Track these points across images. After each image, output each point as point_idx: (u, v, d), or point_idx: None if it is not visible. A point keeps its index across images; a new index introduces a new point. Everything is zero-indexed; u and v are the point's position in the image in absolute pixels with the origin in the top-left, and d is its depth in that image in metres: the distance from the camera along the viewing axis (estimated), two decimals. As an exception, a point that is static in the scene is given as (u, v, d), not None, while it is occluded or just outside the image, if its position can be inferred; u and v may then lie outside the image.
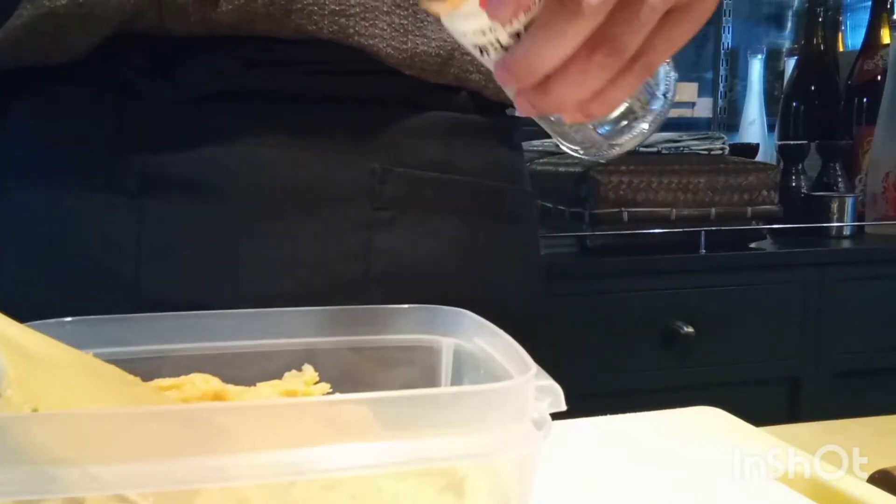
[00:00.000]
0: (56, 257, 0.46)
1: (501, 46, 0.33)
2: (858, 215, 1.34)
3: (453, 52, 0.48)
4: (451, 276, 0.50)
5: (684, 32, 0.34)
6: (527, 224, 0.57)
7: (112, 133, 0.45)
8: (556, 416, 0.27)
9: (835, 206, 1.31)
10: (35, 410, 0.25)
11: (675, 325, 1.11)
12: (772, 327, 1.17)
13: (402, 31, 0.46)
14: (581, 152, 0.40)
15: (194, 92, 0.45)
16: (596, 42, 0.32)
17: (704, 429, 0.49)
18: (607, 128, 0.37)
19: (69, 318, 0.36)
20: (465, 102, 0.51)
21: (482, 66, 0.46)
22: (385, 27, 0.46)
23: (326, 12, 0.44)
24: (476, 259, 0.51)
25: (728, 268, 1.15)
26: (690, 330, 1.11)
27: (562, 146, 0.40)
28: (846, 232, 1.31)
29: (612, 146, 0.39)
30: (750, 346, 1.16)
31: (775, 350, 1.18)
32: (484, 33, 0.33)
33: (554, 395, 0.28)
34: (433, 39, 0.47)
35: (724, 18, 1.84)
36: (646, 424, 0.50)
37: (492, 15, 0.31)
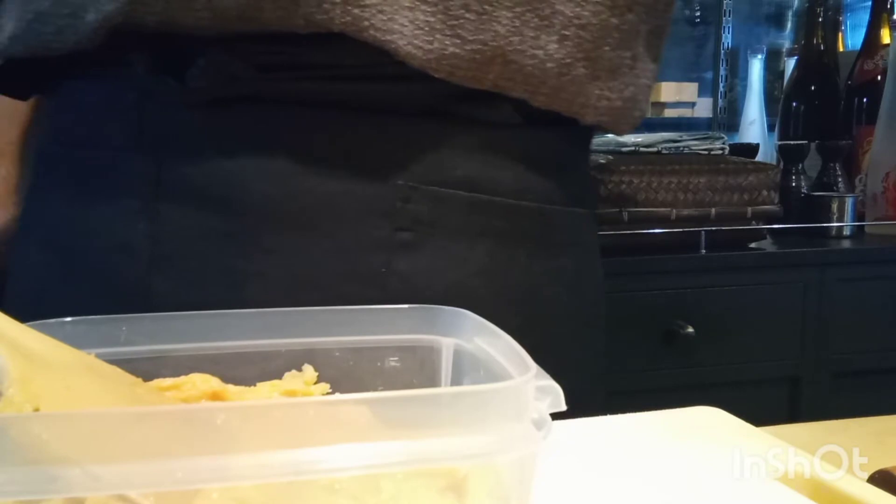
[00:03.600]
0: (72, 256, 0.46)
1: None
2: (858, 215, 1.34)
3: (494, 57, 0.42)
4: (478, 307, 0.45)
5: None
6: (582, 249, 0.52)
7: (133, 134, 0.45)
8: (556, 416, 0.27)
9: (835, 206, 1.31)
10: (36, 410, 0.25)
11: (675, 325, 1.11)
12: (772, 327, 1.17)
13: (426, 28, 0.41)
14: None
15: (207, 95, 0.44)
16: None
17: (704, 429, 0.49)
18: None
19: (69, 318, 0.36)
20: (506, 112, 0.46)
21: (531, 73, 0.42)
22: (406, 23, 0.41)
23: (339, 0, 0.40)
24: (510, 289, 0.46)
25: (728, 268, 1.15)
26: (690, 330, 1.11)
27: None
28: (846, 232, 1.31)
29: None
30: (750, 346, 1.16)
31: (775, 350, 1.18)
32: None
33: (554, 395, 0.28)
34: (469, 41, 0.42)
35: (724, 18, 1.84)
36: (646, 424, 0.50)
37: None
